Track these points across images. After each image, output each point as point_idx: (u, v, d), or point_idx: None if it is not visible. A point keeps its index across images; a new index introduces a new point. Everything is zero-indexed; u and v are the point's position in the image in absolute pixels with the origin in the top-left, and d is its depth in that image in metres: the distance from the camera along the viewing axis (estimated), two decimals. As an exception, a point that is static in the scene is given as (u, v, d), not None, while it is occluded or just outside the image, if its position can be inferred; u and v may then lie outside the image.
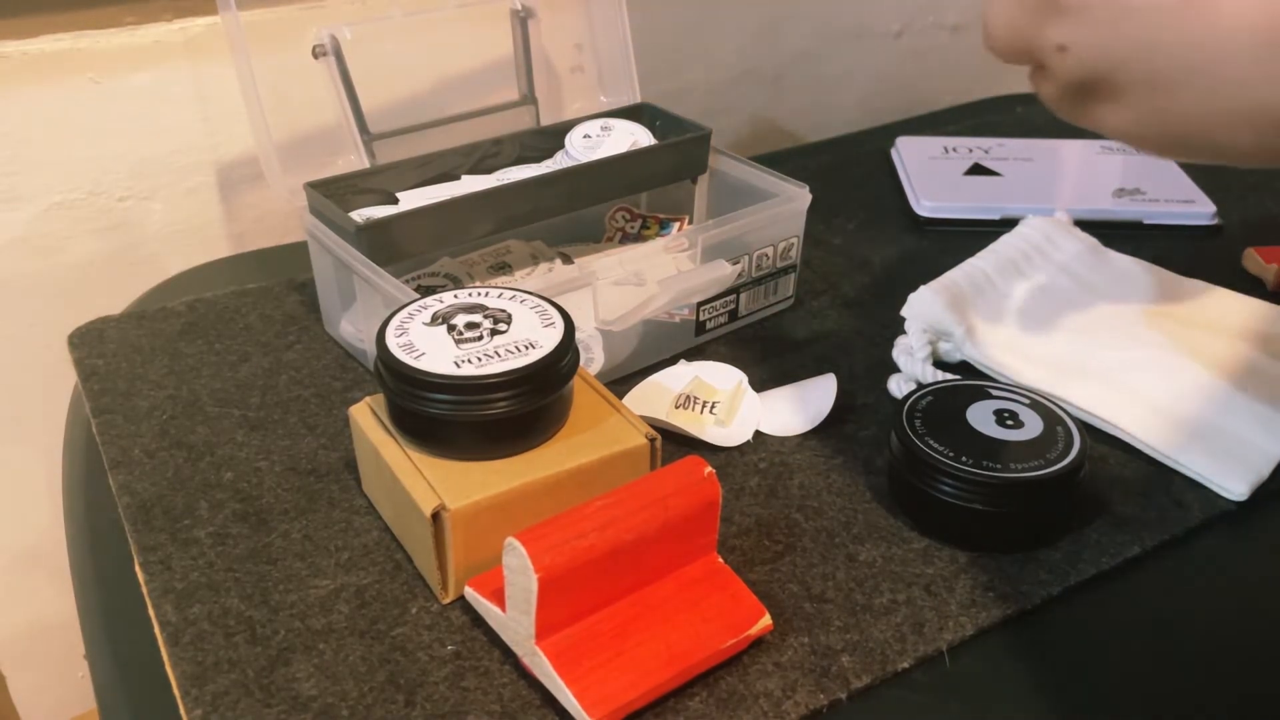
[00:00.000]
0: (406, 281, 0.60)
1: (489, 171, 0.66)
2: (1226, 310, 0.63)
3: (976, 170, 0.82)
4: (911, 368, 0.58)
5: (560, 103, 0.75)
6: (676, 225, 0.69)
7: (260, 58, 0.60)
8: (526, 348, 0.44)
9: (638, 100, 0.72)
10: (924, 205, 0.78)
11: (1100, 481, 0.52)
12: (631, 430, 0.46)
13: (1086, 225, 0.72)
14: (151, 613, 0.44)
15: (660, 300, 0.56)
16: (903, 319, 0.61)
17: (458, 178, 0.65)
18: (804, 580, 0.46)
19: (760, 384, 0.59)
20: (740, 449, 0.54)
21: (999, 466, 0.46)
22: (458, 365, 0.43)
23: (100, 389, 0.58)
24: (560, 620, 0.39)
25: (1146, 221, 0.77)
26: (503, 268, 0.65)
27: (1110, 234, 0.73)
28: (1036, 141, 0.87)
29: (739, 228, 0.60)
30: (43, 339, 0.75)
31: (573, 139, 0.67)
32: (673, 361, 0.60)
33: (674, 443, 0.54)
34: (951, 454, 0.47)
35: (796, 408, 0.56)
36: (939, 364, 0.60)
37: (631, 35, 0.74)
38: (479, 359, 0.44)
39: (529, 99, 0.71)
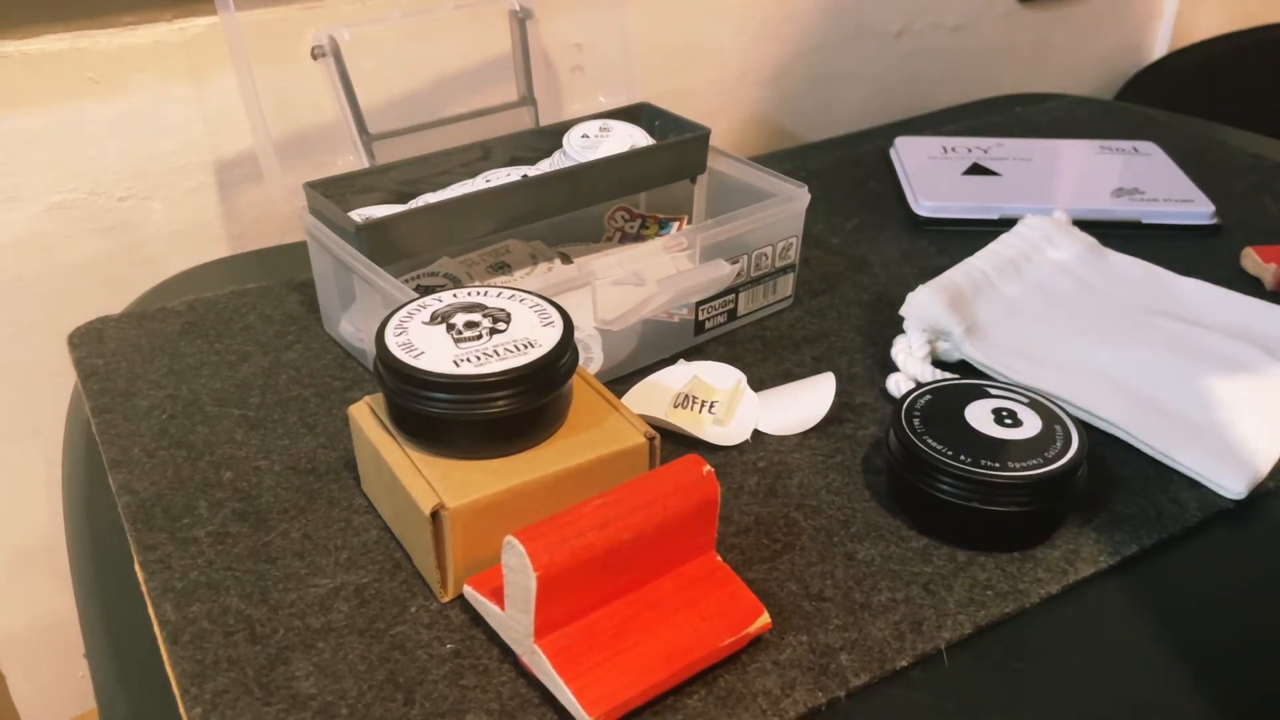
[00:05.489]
0: (406, 281, 0.60)
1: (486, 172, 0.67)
2: (1225, 309, 0.64)
3: (975, 170, 0.82)
4: (910, 367, 0.58)
5: (559, 103, 0.75)
6: (675, 225, 0.69)
7: (260, 58, 0.60)
8: (525, 347, 0.44)
9: (637, 100, 0.72)
10: (923, 205, 0.78)
11: (1098, 480, 0.52)
12: (630, 429, 0.46)
13: (1085, 225, 0.72)
14: (151, 612, 0.45)
15: (659, 300, 0.56)
16: (901, 318, 0.61)
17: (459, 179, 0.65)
18: (803, 579, 0.46)
19: (759, 383, 0.59)
20: (739, 448, 0.54)
21: (997, 465, 0.46)
22: (457, 364, 0.43)
23: (100, 389, 0.58)
24: (559, 619, 0.39)
25: (1145, 221, 0.77)
26: (502, 267, 0.65)
27: (1109, 234, 0.73)
28: (1035, 141, 0.87)
29: (738, 227, 0.60)
30: (43, 339, 0.75)
31: (570, 139, 0.67)
32: (672, 361, 0.60)
33: (673, 442, 0.54)
34: (950, 453, 0.47)
35: (795, 407, 0.56)
36: (938, 363, 0.60)
37: (631, 35, 0.74)
38: (478, 358, 0.44)
39: (528, 99, 0.71)
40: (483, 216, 0.60)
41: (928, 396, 0.51)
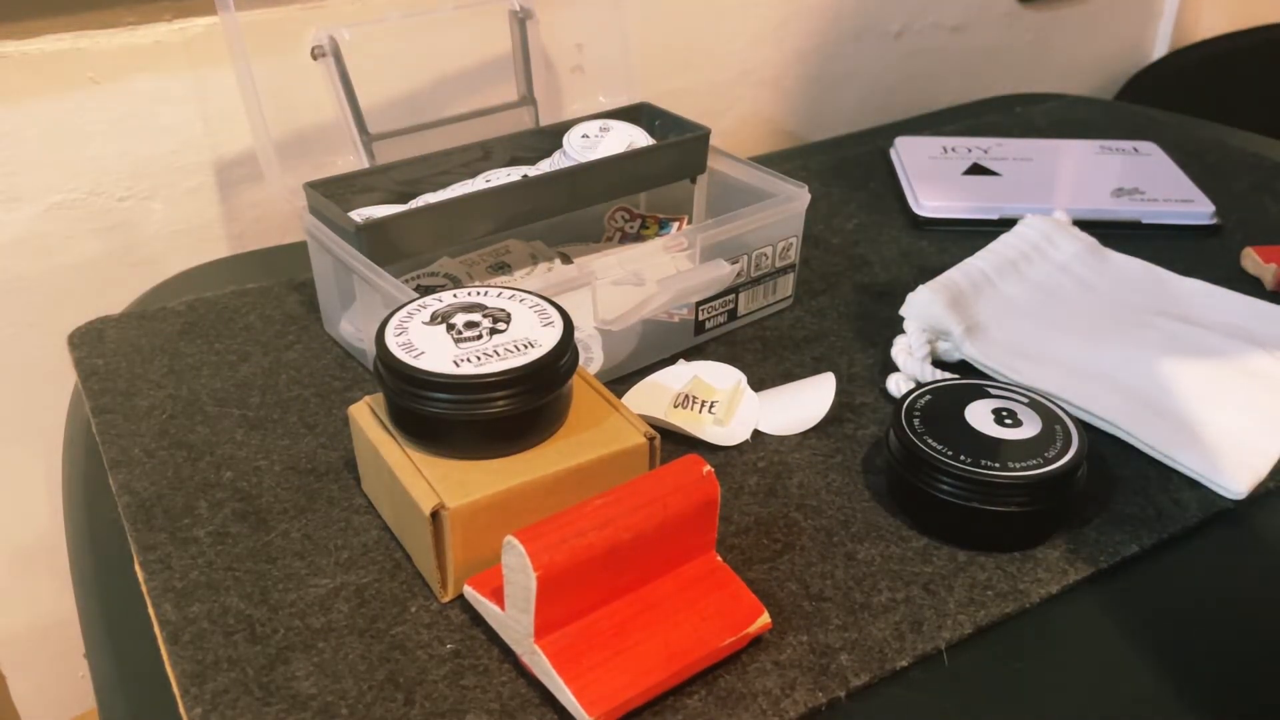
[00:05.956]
0: (406, 281, 0.60)
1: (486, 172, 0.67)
2: (1225, 309, 0.64)
3: (975, 170, 0.82)
4: (910, 367, 0.58)
5: (559, 103, 0.75)
6: (676, 225, 0.69)
7: (260, 58, 0.60)
8: (525, 347, 0.44)
9: (637, 100, 0.72)
10: (923, 205, 0.78)
11: (1098, 480, 0.52)
12: (630, 429, 0.46)
13: (1085, 225, 0.72)
14: (151, 612, 0.45)
15: (659, 300, 0.56)
16: (901, 318, 0.61)
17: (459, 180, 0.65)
18: (803, 579, 0.46)
19: (759, 383, 0.59)
20: (739, 448, 0.54)
21: (997, 465, 0.46)
22: (457, 364, 0.43)
23: (100, 389, 0.58)
24: (559, 619, 0.39)
25: (1145, 221, 0.77)
26: (502, 267, 0.65)
27: (1109, 233, 0.73)
28: (1035, 141, 0.87)
29: (738, 227, 0.60)
30: (43, 339, 0.75)
31: (570, 139, 0.67)
32: (672, 361, 0.60)
33: (673, 442, 0.54)
34: (950, 453, 0.47)
35: (795, 407, 0.56)
36: (938, 363, 0.60)
37: (631, 35, 0.74)
38: (478, 358, 0.44)
39: (528, 99, 0.71)
40: (483, 216, 0.60)
41: (928, 396, 0.51)
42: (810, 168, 0.87)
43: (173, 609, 0.44)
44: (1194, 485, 0.52)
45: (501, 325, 0.46)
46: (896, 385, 0.58)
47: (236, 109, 0.74)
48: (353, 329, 0.60)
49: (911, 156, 0.85)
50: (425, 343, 0.45)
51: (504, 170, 0.66)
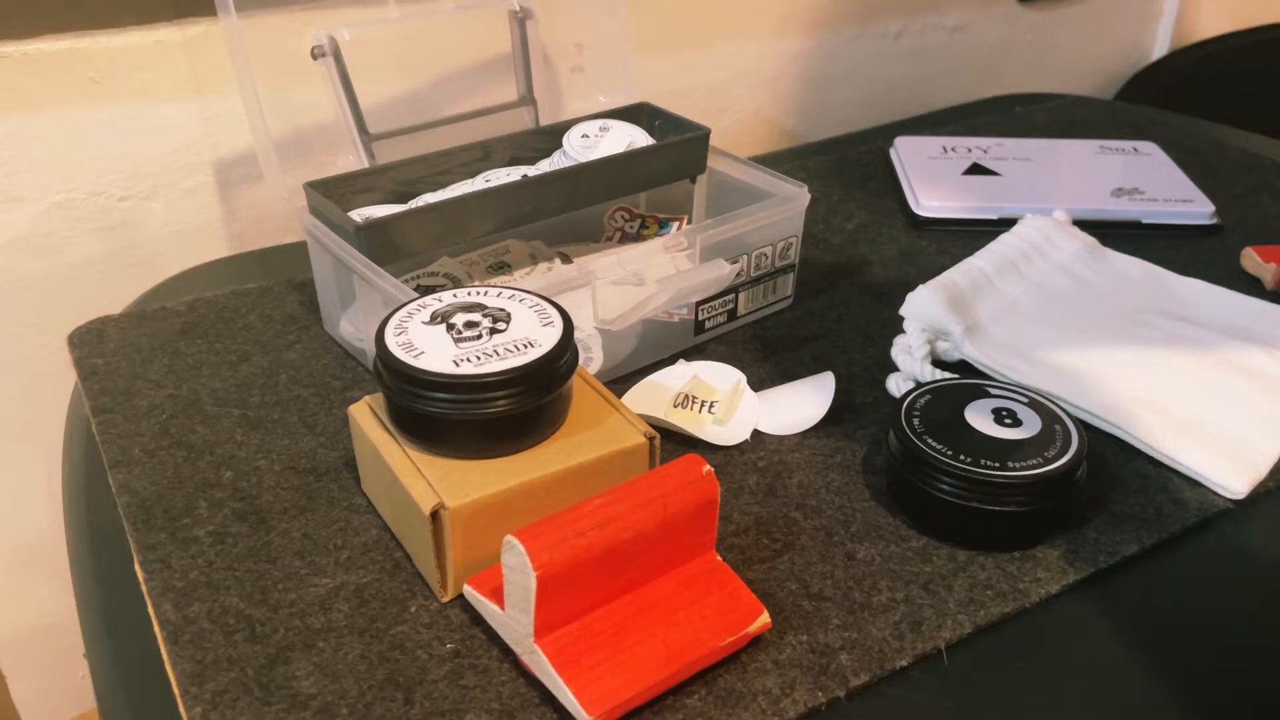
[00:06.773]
0: (406, 281, 0.60)
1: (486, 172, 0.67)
2: (1224, 309, 0.64)
3: (975, 170, 0.82)
4: (910, 367, 0.58)
5: (559, 103, 0.75)
6: (675, 225, 0.69)
7: (259, 58, 0.60)
8: (525, 346, 0.44)
9: (637, 100, 0.72)
10: (923, 205, 0.78)
11: (1098, 480, 0.52)
12: (630, 429, 0.46)
13: (1085, 225, 0.72)
14: (151, 611, 0.45)
15: (659, 300, 0.56)
16: (901, 318, 0.61)
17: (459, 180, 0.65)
18: (802, 578, 0.46)
19: (759, 383, 0.59)
20: (739, 448, 0.54)
21: (997, 465, 0.46)
22: (457, 364, 0.43)
23: (100, 389, 0.58)
24: (559, 618, 0.39)
25: (1145, 221, 0.77)
26: (502, 267, 0.65)
27: (1109, 233, 0.73)
28: (1035, 141, 0.87)
29: (738, 227, 0.60)
30: (43, 339, 0.75)
31: (570, 139, 0.67)
32: (671, 361, 0.60)
33: (673, 442, 0.54)
34: (950, 452, 0.47)
35: (795, 407, 0.56)
36: (937, 363, 0.60)
37: (631, 35, 0.74)
38: (478, 358, 0.44)
39: (528, 99, 0.71)
40: (483, 216, 0.60)
41: (928, 396, 0.51)
42: (810, 168, 0.87)
43: (173, 609, 0.44)
44: (1193, 485, 0.52)
45: (501, 325, 0.46)
46: (896, 385, 0.58)
47: (236, 109, 0.74)
48: (353, 329, 0.60)
49: (911, 156, 0.85)
50: (425, 342, 0.45)
51: (504, 170, 0.66)
